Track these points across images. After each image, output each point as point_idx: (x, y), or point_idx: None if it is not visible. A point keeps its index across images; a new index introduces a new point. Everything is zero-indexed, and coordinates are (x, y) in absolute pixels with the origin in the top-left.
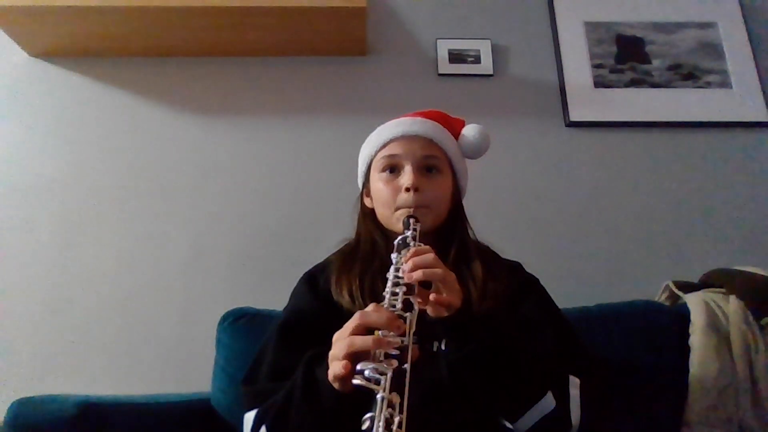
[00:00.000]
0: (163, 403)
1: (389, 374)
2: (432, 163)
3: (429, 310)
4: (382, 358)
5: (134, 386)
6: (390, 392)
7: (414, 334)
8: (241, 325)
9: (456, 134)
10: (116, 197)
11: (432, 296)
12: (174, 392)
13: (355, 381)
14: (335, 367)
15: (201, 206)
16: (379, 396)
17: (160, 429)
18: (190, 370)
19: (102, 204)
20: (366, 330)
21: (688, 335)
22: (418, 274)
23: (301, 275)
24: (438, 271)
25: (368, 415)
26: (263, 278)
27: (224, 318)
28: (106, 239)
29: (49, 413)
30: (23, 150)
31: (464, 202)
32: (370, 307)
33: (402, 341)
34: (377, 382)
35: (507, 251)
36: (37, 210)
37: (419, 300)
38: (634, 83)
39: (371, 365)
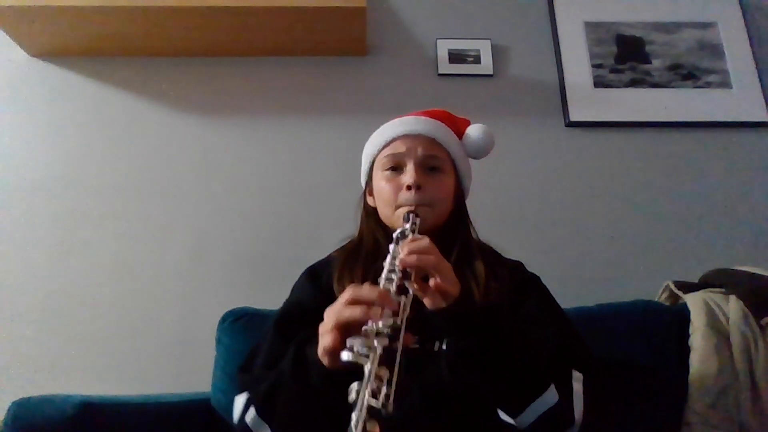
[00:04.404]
0: (163, 403)
1: (379, 350)
2: (434, 163)
3: (426, 302)
4: (374, 336)
5: (134, 386)
6: (379, 366)
7: (415, 334)
8: (241, 325)
9: (460, 134)
10: (116, 197)
11: (431, 281)
12: (174, 392)
13: (344, 354)
14: (325, 339)
15: (201, 206)
16: (366, 368)
17: (160, 429)
18: (190, 370)
19: (102, 204)
20: (357, 304)
21: (688, 335)
22: (412, 258)
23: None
24: (431, 257)
25: (354, 384)
26: (263, 278)
27: (224, 318)
28: (106, 239)
29: (49, 413)
30: (23, 150)
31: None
32: (364, 286)
33: (395, 321)
34: (366, 356)
35: (507, 251)
36: (37, 210)
37: (415, 285)
38: (634, 83)
39: (360, 339)
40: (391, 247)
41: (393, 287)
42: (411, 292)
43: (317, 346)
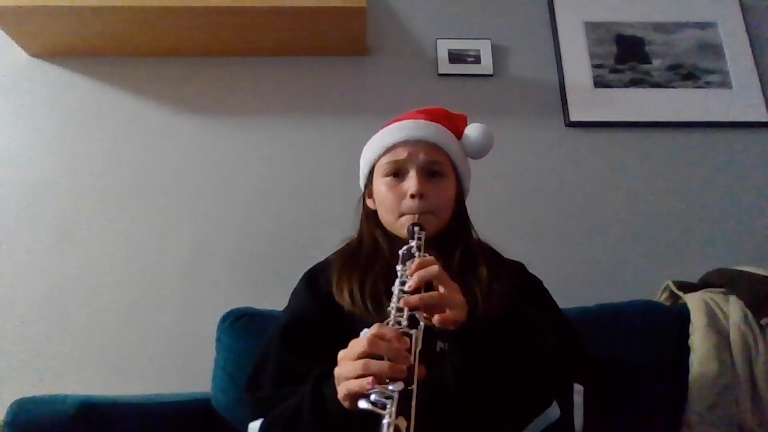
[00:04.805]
0: (163, 403)
1: (395, 397)
2: (436, 168)
3: (435, 321)
4: (388, 379)
5: (134, 386)
6: (397, 415)
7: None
8: (241, 325)
9: (459, 132)
10: (116, 197)
11: (435, 318)
12: (174, 392)
13: (362, 405)
14: (352, 384)
15: (201, 206)
16: (385, 422)
17: (160, 429)
18: (190, 370)
19: (102, 204)
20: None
21: (688, 335)
22: (415, 301)
23: (301, 275)
24: (435, 295)
25: None
26: (263, 278)
27: (224, 318)
28: (106, 239)
29: (49, 413)
30: (23, 150)
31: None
32: (376, 328)
33: (409, 362)
34: (383, 406)
35: (507, 251)
36: (37, 210)
37: (425, 315)
38: (634, 83)
39: (377, 388)
40: (399, 269)
41: (404, 320)
42: (422, 323)
43: (333, 384)
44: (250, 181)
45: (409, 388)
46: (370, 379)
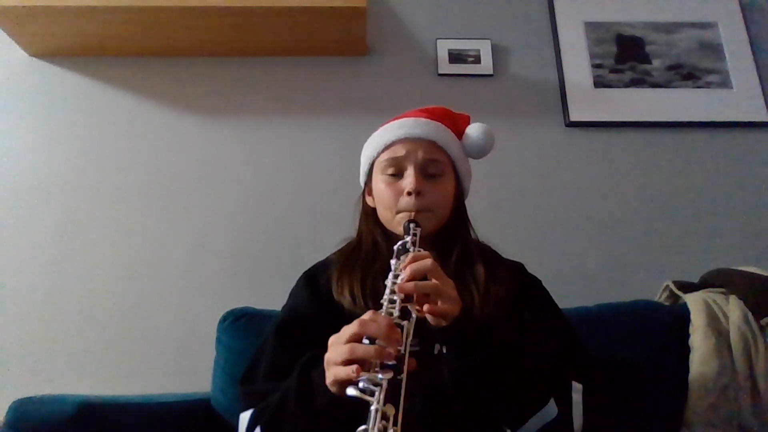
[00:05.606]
0: (163, 403)
1: (384, 385)
2: (434, 166)
3: (429, 319)
4: (378, 367)
5: (134, 386)
6: (385, 404)
7: (414, 336)
8: (241, 325)
9: (460, 132)
10: (116, 197)
11: (426, 307)
12: (174, 392)
13: (350, 392)
14: (339, 370)
15: (201, 206)
16: (372, 408)
17: (160, 429)
18: (190, 370)
19: (102, 204)
20: (363, 339)
21: (688, 335)
22: (410, 287)
23: (300, 275)
24: (429, 283)
25: (362, 427)
26: (263, 278)
27: (224, 318)
28: (106, 239)
29: (49, 413)
30: (23, 150)
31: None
32: (368, 314)
33: (399, 350)
34: (372, 394)
35: (506, 251)
36: (37, 210)
37: (417, 308)
38: (634, 83)
39: (366, 376)
40: (392, 263)
41: (396, 311)
42: (414, 315)
43: (322, 370)
44: (250, 181)
45: (398, 377)
46: (355, 367)
